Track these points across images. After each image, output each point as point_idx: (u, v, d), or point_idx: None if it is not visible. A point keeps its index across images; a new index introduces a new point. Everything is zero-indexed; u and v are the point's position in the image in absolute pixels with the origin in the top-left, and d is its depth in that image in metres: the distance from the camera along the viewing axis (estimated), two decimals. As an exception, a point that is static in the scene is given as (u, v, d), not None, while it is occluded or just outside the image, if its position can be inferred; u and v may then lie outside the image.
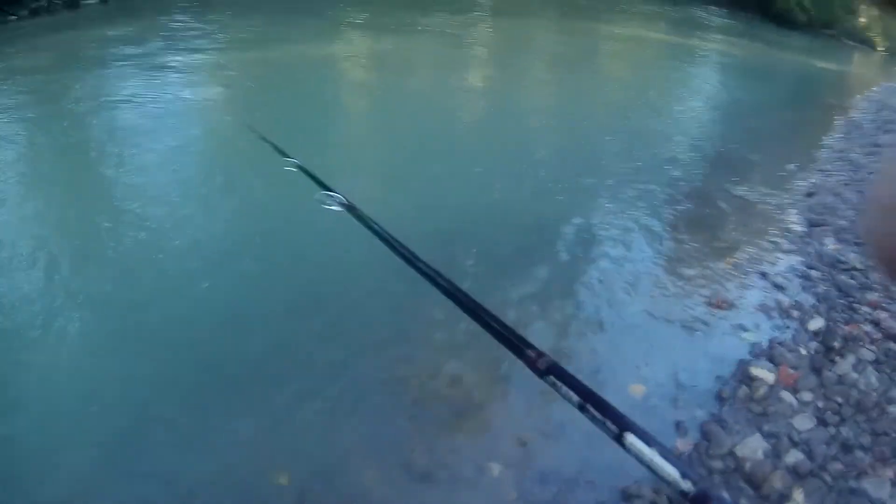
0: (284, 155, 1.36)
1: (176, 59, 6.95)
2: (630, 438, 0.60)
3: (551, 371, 0.64)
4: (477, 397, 2.61)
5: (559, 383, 0.63)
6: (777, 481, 2.22)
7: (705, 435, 2.41)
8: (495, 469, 2.27)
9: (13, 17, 8.33)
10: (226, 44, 8.03)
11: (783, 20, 15.07)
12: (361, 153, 5.28)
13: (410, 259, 0.79)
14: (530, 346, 0.66)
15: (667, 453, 0.60)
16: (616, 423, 0.61)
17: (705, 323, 3.19)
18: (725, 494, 0.58)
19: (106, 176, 4.58)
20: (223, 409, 2.47)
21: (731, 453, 2.28)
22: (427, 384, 2.64)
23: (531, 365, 0.65)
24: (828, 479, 2.22)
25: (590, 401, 0.62)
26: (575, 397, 0.62)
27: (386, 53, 8.63)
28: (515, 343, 0.67)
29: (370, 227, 0.93)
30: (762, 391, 2.67)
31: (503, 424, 2.50)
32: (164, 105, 5.72)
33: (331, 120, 6.13)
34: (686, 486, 0.56)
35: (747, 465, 2.23)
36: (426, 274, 0.77)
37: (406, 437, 2.40)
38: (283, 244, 3.62)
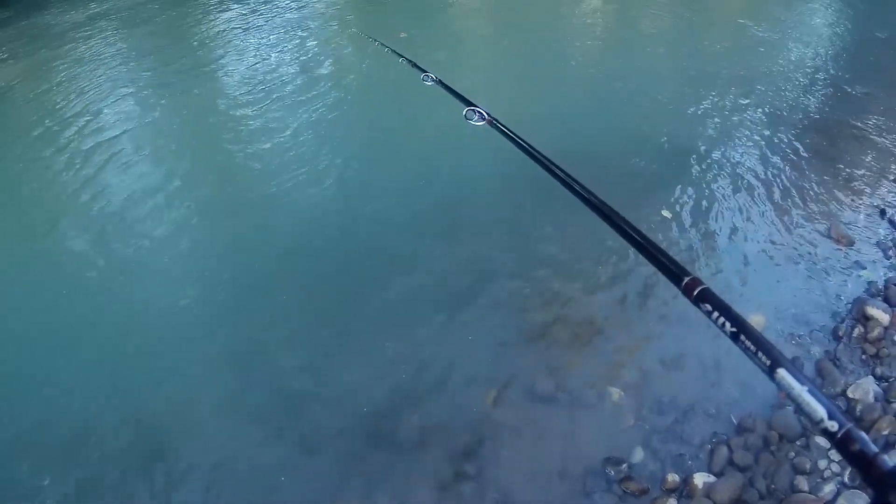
0: (423, 70, 1.34)
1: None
2: (781, 373, 0.59)
3: (706, 299, 0.64)
4: (603, 321, 2.69)
5: (714, 311, 0.63)
6: (885, 427, 2.14)
7: (820, 372, 2.33)
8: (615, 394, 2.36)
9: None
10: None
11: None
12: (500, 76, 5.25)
13: (563, 177, 0.79)
14: (686, 273, 0.65)
15: (816, 392, 0.59)
16: (769, 356, 0.60)
17: (824, 257, 3.01)
18: (868, 438, 0.57)
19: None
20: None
21: (844, 393, 2.20)
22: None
23: (686, 291, 0.65)
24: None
25: (744, 332, 0.61)
26: (729, 327, 0.62)
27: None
28: (671, 268, 0.67)
29: (516, 141, 0.92)
30: (876, 332, 2.52)
31: (626, 350, 2.56)
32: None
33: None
34: (832, 426, 0.56)
35: (858, 408, 2.15)
36: (579, 193, 0.76)
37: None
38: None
